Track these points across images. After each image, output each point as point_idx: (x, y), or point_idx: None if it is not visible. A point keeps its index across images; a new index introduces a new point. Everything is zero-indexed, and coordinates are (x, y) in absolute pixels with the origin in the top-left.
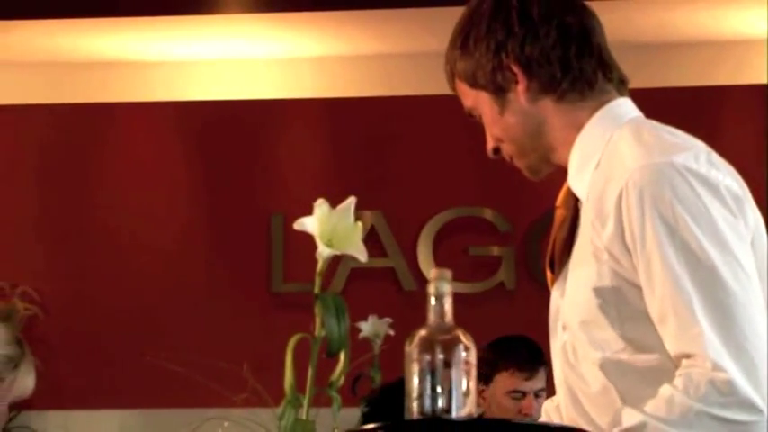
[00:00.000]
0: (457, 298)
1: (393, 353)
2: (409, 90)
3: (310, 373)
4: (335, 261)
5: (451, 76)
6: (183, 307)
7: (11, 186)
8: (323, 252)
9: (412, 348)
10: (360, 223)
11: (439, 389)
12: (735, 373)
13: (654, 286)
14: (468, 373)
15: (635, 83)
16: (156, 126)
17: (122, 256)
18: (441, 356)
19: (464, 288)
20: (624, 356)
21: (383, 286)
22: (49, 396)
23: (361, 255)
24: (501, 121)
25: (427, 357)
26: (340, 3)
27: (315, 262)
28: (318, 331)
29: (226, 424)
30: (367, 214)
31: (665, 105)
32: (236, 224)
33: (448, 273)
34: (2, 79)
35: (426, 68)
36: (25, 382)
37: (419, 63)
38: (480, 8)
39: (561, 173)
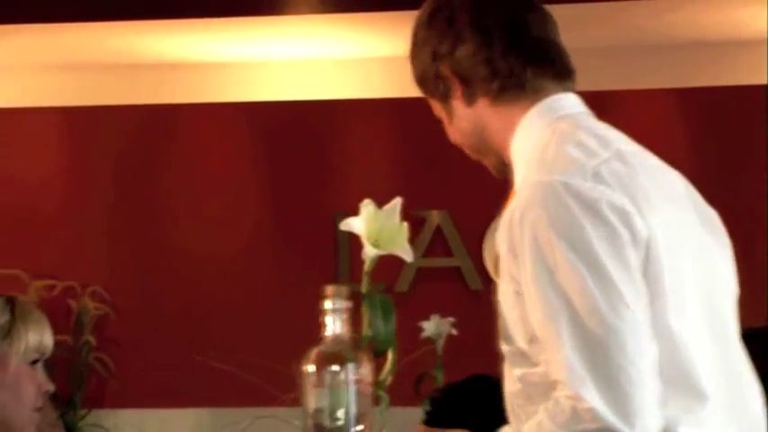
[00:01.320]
0: None
1: (458, 353)
2: None
3: None
4: (401, 261)
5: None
6: (251, 307)
7: (82, 187)
8: (369, 252)
9: (308, 365)
10: (406, 224)
11: (336, 406)
12: (597, 401)
13: (532, 310)
14: (363, 389)
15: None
16: (225, 127)
17: (191, 256)
18: (337, 372)
19: None
20: (535, 376)
21: (449, 286)
22: (120, 394)
23: (407, 255)
24: (452, 127)
25: (323, 373)
26: (409, 2)
27: (382, 261)
28: (365, 331)
29: (296, 423)
30: (433, 214)
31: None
32: (303, 224)
33: (344, 289)
34: (73, 81)
35: None
36: (27, 340)
37: None
38: (420, 16)
39: None
